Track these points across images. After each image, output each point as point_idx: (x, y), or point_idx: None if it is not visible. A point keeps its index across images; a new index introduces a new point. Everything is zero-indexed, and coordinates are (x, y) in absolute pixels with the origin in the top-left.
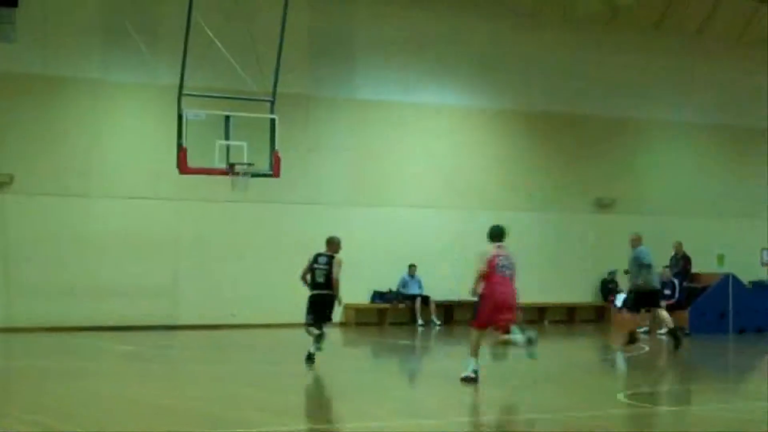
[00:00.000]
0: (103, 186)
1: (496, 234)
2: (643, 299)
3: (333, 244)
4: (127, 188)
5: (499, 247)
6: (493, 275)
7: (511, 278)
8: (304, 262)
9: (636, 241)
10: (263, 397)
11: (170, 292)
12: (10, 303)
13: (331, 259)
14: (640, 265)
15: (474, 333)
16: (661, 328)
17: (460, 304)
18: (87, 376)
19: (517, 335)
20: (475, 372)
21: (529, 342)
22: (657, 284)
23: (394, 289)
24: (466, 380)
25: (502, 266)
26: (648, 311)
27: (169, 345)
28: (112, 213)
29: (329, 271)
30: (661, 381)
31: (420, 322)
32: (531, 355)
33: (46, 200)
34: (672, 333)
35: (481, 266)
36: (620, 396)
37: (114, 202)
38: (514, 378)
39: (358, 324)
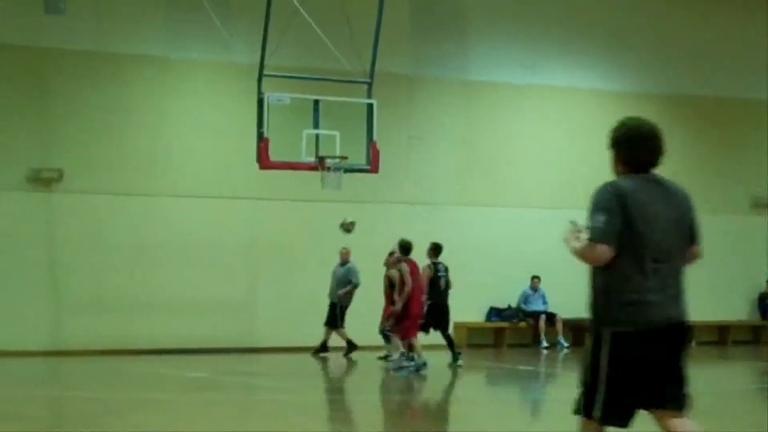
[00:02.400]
0: (168, 183)
1: None
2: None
3: None
4: (197, 185)
5: None
6: None
7: None
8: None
9: (345, 256)
10: None
11: (248, 307)
12: (58, 322)
13: None
14: (348, 282)
15: None
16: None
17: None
18: (151, 408)
19: None
20: None
21: None
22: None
23: (513, 305)
24: None
25: None
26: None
27: (247, 371)
28: (178, 214)
29: None
30: None
31: (544, 343)
32: None
33: (100, 199)
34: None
35: None
36: None
37: (181, 201)
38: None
39: (471, 345)
